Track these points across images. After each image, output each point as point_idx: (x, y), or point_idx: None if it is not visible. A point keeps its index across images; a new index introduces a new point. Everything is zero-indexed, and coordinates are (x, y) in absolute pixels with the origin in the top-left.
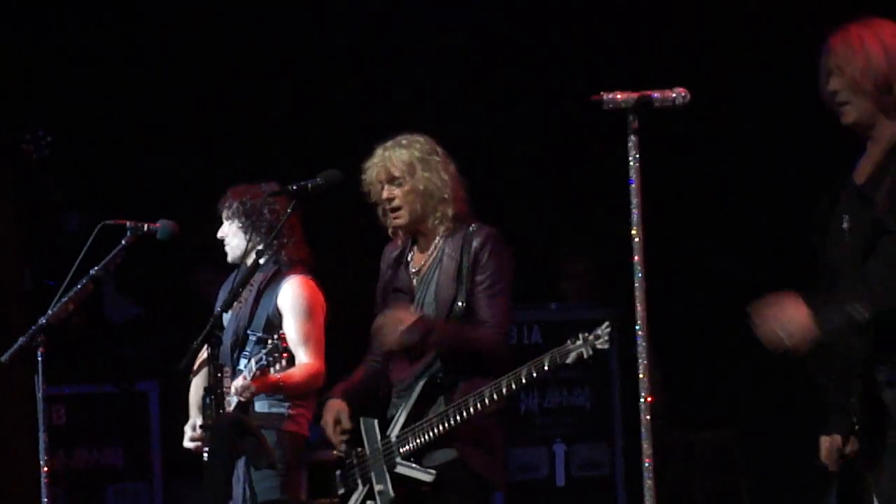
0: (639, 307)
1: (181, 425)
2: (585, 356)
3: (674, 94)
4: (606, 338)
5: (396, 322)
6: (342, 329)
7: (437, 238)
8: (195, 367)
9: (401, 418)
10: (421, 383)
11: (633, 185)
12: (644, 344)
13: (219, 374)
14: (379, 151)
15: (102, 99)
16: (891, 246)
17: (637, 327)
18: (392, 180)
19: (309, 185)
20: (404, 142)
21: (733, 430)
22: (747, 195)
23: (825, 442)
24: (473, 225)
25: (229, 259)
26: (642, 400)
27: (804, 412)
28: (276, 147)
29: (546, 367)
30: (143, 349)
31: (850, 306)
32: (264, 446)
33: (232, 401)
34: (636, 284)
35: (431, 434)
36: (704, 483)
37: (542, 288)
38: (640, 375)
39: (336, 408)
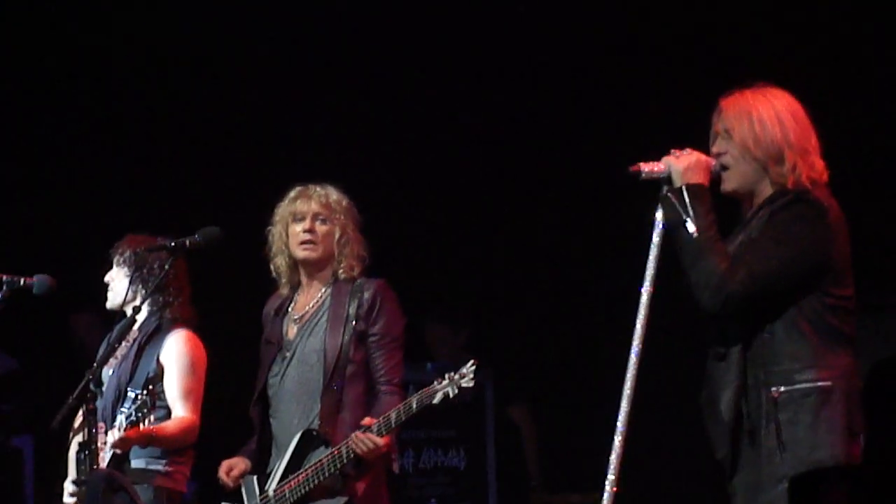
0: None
1: (55, 481)
2: (451, 395)
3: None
4: (471, 376)
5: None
6: (222, 384)
7: (323, 288)
8: (77, 423)
9: (278, 472)
10: (297, 436)
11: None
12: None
13: (93, 430)
14: (312, 186)
15: None
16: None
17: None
18: (318, 216)
19: (187, 241)
20: (332, 187)
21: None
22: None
23: None
24: (361, 277)
25: (108, 305)
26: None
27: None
28: (159, 195)
29: (414, 409)
30: (20, 404)
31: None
32: (136, 502)
33: (107, 455)
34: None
35: (310, 486)
36: None
37: (413, 347)
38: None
39: (230, 461)
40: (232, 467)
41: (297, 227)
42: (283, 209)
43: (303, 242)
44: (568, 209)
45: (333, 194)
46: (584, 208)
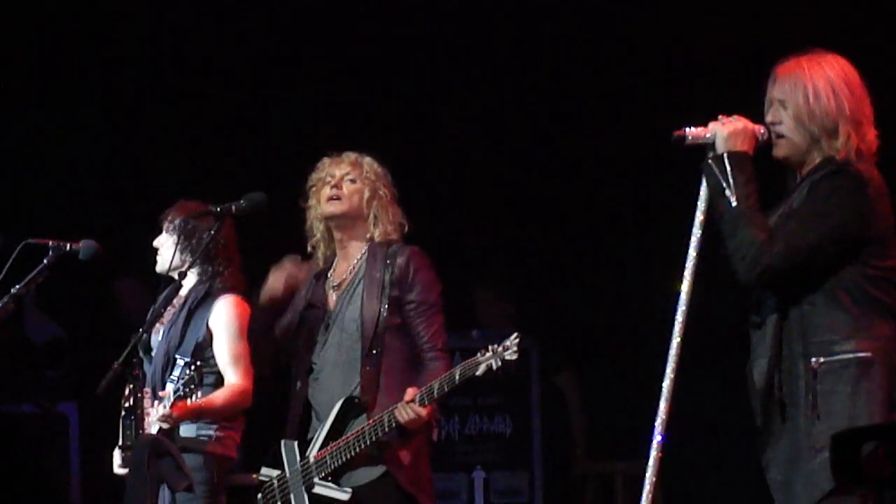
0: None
1: (101, 448)
2: (495, 367)
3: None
4: (515, 349)
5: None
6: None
7: (359, 255)
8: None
9: (319, 439)
10: (339, 403)
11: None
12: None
13: (139, 396)
14: (347, 152)
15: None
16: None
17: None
18: (346, 175)
19: (233, 206)
20: (370, 155)
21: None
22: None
23: None
24: (396, 244)
25: (157, 269)
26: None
27: (725, 440)
28: (199, 165)
29: (457, 380)
30: (65, 370)
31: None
32: (182, 468)
33: (154, 427)
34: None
35: (351, 453)
36: None
37: (460, 315)
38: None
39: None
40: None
41: (326, 188)
42: (314, 177)
43: (329, 199)
44: (616, 175)
45: (366, 158)
46: (631, 175)
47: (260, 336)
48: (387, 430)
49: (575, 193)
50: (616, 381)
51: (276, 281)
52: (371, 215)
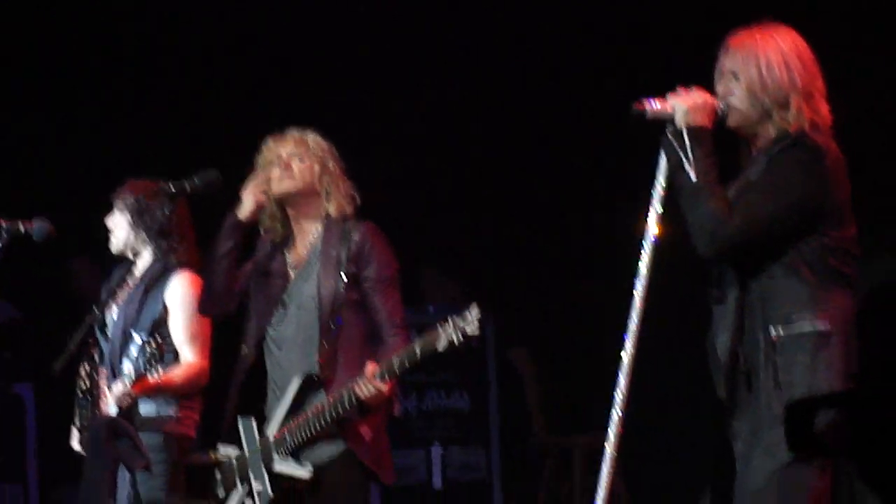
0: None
1: (58, 428)
2: (455, 342)
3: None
4: (476, 323)
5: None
6: (225, 328)
7: (315, 231)
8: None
9: (279, 416)
10: (297, 380)
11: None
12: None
13: (95, 375)
14: (290, 130)
15: None
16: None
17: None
18: (294, 154)
19: (186, 184)
20: (313, 132)
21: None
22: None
23: None
24: (351, 221)
25: (112, 249)
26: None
27: (684, 413)
28: (150, 142)
29: (418, 355)
30: (20, 351)
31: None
32: (139, 448)
33: (113, 408)
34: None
35: (311, 431)
36: (583, 487)
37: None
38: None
39: None
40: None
41: (276, 169)
42: (260, 157)
43: (280, 179)
44: (572, 150)
45: (310, 134)
46: (589, 149)
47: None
48: (347, 406)
49: (528, 167)
50: (572, 355)
51: (249, 201)
52: (324, 191)
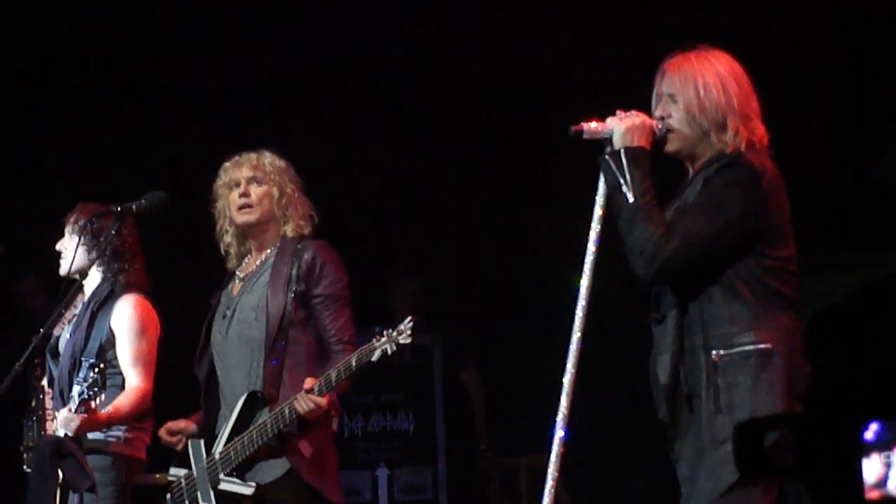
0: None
1: (2, 449)
2: (389, 352)
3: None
4: (409, 333)
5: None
6: (177, 349)
7: (269, 250)
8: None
9: (224, 434)
10: (242, 398)
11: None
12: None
13: (40, 396)
14: (246, 153)
15: None
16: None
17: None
18: (251, 179)
19: (133, 206)
20: (269, 152)
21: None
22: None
23: None
24: (304, 241)
25: (61, 271)
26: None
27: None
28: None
29: (353, 367)
30: None
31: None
32: (84, 468)
33: (60, 431)
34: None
35: (254, 447)
36: None
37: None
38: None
39: (173, 423)
40: (173, 430)
41: (234, 194)
42: (219, 183)
43: (240, 208)
44: (516, 171)
45: (266, 157)
46: (531, 170)
47: None
48: (287, 421)
49: (478, 187)
50: (518, 377)
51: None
52: (281, 214)
